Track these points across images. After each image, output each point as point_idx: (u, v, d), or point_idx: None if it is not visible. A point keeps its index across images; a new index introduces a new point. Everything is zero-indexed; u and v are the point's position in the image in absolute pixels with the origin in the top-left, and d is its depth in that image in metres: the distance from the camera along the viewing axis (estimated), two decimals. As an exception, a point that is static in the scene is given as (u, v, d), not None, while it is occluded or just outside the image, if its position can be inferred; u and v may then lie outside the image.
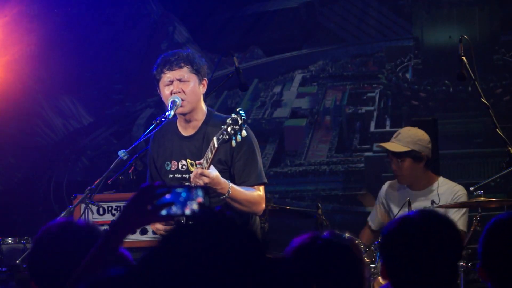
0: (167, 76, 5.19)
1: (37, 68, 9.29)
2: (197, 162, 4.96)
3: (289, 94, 9.27)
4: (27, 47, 9.26)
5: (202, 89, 5.26)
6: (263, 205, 5.20)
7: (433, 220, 3.05)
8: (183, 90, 5.16)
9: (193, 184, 4.97)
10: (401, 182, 6.65)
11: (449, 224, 3.07)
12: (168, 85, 5.20)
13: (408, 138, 6.54)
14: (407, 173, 6.55)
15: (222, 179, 4.96)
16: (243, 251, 2.01)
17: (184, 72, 5.19)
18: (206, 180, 4.87)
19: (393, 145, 6.57)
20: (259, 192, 5.17)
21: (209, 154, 4.91)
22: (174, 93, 5.17)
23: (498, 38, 8.90)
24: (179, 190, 2.66)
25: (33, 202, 9.21)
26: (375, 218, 6.89)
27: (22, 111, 9.22)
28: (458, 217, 6.48)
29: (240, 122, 4.76)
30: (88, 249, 3.08)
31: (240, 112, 4.79)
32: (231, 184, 5.00)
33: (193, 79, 5.20)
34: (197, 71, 5.22)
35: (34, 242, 3.25)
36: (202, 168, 4.92)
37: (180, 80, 5.18)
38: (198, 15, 9.42)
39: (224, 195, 4.97)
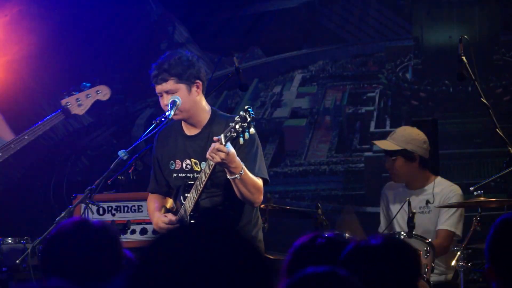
0: (157, 88, 5.24)
1: (37, 68, 9.29)
2: (215, 138, 4.88)
3: (289, 94, 9.27)
4: (27, 47, 9.26)
5: (197, 91, 5.21)
6: (262, 197, 5.18)
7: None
8: None
9: (208, 161, 4.91)
10: (395, 180, 6.68)
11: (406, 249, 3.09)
12: (160, 96, 5.25)
13: (402, 137, 6.57)
14: (399, 172, 6.58)
15: (237, 158, 4.89)
16: (240, 258, 2.00)
17: (169, 85, 5.17)
18: (222, 155, 4.77)
19: (385, 143, 6.61)
20: (261, 183, 5.14)
21: (222, 139, 4.81)
22: (165, 105, 5.18)
23: (498, 38, 8.90)
24: None
25: (33, 202, 9.21)
26: (382, 221, 6.90)
27: (22, 111, 9.22)
28: (447, 216, 6.48)
29: (248, 119, 4.72)
30: (101, 249, 3.09)
31: (249, 109, 4.74)
32: (244, 166, 4.96)
33: (181, 88, 5.17)
34: (184, 79, 5.17)
35: (47, 240, 3.25)
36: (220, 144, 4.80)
37: (167, 93, 5.19)
38: (198, 15, 9.42)
39: (237, 175, 4.92)
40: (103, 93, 5.81)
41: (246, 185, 4.97)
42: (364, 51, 9.21)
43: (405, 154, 6.53)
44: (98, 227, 3.18)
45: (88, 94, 5.74)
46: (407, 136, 6.58)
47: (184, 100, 5.16)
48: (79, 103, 5.82)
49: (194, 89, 5.19)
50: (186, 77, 5.16)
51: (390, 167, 6.62)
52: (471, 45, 6.20)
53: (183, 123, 5.32)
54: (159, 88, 5.19)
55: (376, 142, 6.72)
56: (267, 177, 5.17)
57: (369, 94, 9.14)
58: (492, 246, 3.08)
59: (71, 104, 5.86)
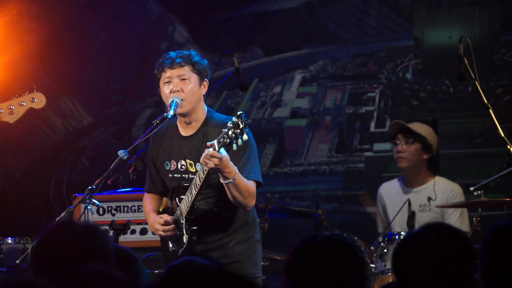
0: (167, 74, 5.16)
1: (37, 68, 9.29)
2: (208, 143, 4.89)
3: (289, 94, 9.27)
4: (27, 47, 9.26)
5: (203, 90, 5.21)
6: (254, 201, 5.16)
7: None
8: (182, 89, 5.12)
9: (202, 165, 4.89)
10: (400, 165, 6.70)
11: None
12: (167, 82, 5.16)
13: (423, 127, 6.67)
14: (409, 157, 6.61)
15: (231, 163, 4.88)
16: None
17: (185, 70, 5.15)
18: (216, 161, 4.77)
19: (411, 125, 6.68)
20: (254, 187, 5.12)
21: (216, 145, 4.81)
22: (173, 92, 5.13)
23: (498, 38, 8.90)
24: None
25: (33, 202, 9.21)
26: (380, 222, 6.92)
27: (22, 111, 9.20)
28: (455, 219, 6.50)
29: (241, 126, 4.71)
30: (89, 250, 3.09)
31: (242, 115, 4.74)
32: (237, 170, 4.96)
33: (193, 78, 5.16)
34: (198, 72, 5.18)
35: (36, 244, 3.25)
36: (213, 150, 4.79)
37: (180, 79, 5.15)
38: (198, 15, 9.42)
39: (230, 180, 4.92)
40: (37, 100, 5.41)
41: (239, 190, 4.97)
42: (364, 51, 9.21)
43: (423, 142, 6.61)
44: (83, 226, 3.19)
45: (22, 102, 5.34)
46: (427, 129, 6.68)
47: (194, 91, 5.14)
48: (11, 110, 5.44)
49: (202, 86, 5.20)
50: (201, 70, 5.18)
51: (402, 150, 6.64)
52: (471, 45, 6.20)
53: (179, 123, 5.29)
54: (172, 72, 5.14)
55: (409, 125, 6.72)
56: (260, 180, 5.15)
57: (369, 94, 9.14)
58: (485, 253, 3.09)
59: (2, 111, 5.51)
